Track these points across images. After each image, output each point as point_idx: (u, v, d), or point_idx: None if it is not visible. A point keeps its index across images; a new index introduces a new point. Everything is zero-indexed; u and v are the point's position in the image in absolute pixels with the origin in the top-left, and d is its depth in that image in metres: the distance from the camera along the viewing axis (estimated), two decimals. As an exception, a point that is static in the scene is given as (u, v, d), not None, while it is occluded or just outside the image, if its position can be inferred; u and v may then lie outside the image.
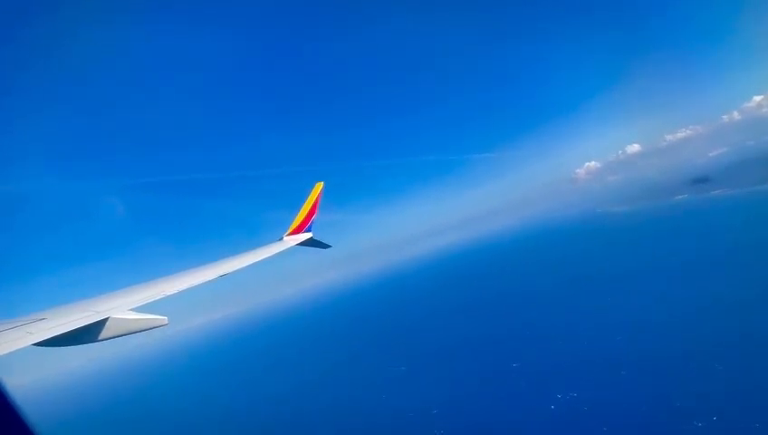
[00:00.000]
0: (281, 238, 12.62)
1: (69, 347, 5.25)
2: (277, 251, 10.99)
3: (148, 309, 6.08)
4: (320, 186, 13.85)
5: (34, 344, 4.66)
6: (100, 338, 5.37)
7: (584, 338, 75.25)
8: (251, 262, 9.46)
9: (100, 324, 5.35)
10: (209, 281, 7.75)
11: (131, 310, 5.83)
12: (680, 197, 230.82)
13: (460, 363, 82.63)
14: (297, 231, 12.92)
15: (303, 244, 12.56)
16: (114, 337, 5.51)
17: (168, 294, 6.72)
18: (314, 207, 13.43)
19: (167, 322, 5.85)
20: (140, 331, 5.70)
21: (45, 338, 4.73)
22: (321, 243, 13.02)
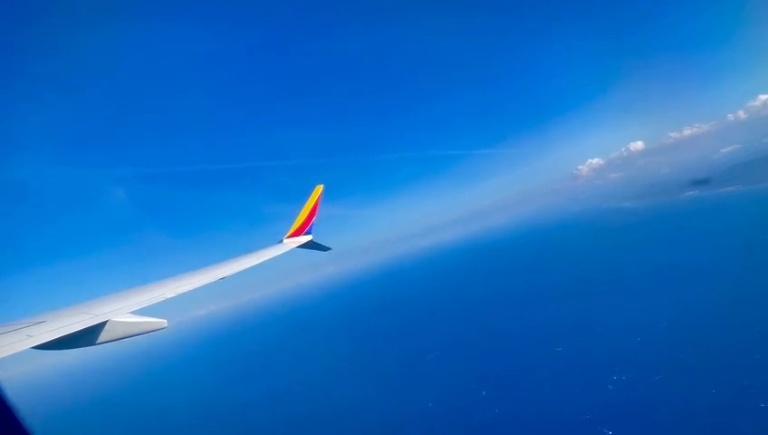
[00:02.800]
0: (280, 241, 12.83)
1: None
2: (277, 254, 11.21)
3: (148, 311, 6.18)
4: (319, 188, 14.10)
5: (33, 348, 4.76)
6: (99, 341, 5.48)
7: (622, 329, 74.90)
8: (250, 265, 9.67)
9: (99, 327, 5.45)
10: (209, 284, 7.87)
11: (131, 313, 5.92)
12: (690, 193, 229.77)
13: (495, 350, 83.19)
14: (297, 234, 13.17)
15: (303, 246, 12.82)
16: (113, 340, 5.62)
17: (169, 297, 6.83)
18: (314, 209, 13.70)
19: (166, 325, 5.97)
20: (140, 334, 5.82)
21: (44, 341, 4.82)
22: (321, 245, 13.33)
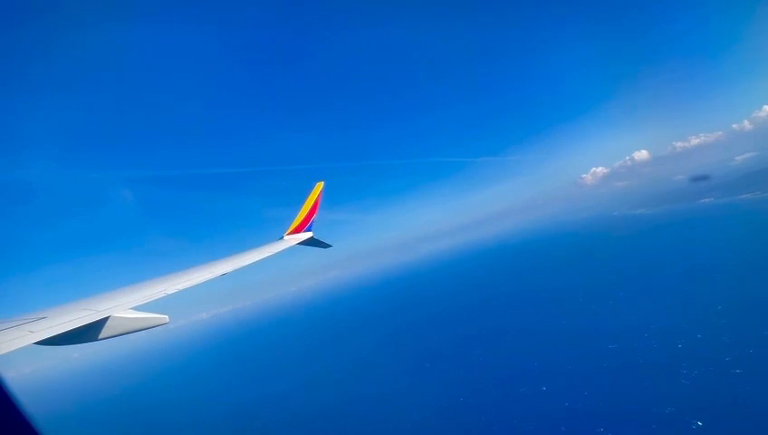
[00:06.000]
0: (281, 237, 12.83)
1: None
2: (278, 250, 11.17)
3: (150, 308, 6.19)
4: (320, 185, 14.08)
5: (36, 343, 4.79)
6: (100, 337, 5.48)
7: (670, 328, 74.07)
8: (252, 261, 9.63)
9: (100, 323, 5.45)
10: (210, 280, 7.88)
11: (132, 308, 5.94)
12: (706, 200, 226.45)
13: (537, 348, 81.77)
14: (297, 230, 13.17)
15: (304, 243, 12.78)
16: (115, 336, 5.61)
17: (170, 292, 6.84)
18: (315, 206, 13.69)
19: (168, 320, 5.95)
20: (141, 329, 5.81)
21: (46, 337, 4.85)
22: (321, 242, 13.27)
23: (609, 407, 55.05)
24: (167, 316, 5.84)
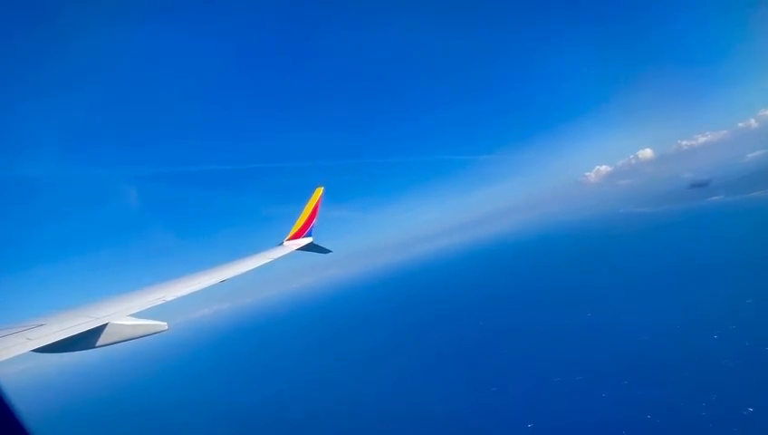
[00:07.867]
0: (281, 243, 13.05)
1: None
2: (278, 256, 11.35)
3: (148, 314, 6.25)
4: (319, 191, 14.36)
5: (33, 351, 4.85)
6: (98, 344, 5.56)
7: (703, 322, 73.80)
8: (251, 267, 9.79)
9: (99, 330, 5.53)
10: (209, 286, 7.95)
11: (131, 315, 6.00)
12: (715, 198, 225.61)
13: (561, 343, 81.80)
14: (297, 236, 13.42)
15: (303, 248, 13.03)
16: (113, 343, 5.70)
17: (168, 299, 6.90)
18: (314, 212, 13.98)
19: (166, 327, 6.03)
20: (140, 337, 5.90)
21: (44, 344, 4.91)
22: (321, 248, 13.54)
23: (651, 395, 55.20)
24: (165, 323, 5.92)
